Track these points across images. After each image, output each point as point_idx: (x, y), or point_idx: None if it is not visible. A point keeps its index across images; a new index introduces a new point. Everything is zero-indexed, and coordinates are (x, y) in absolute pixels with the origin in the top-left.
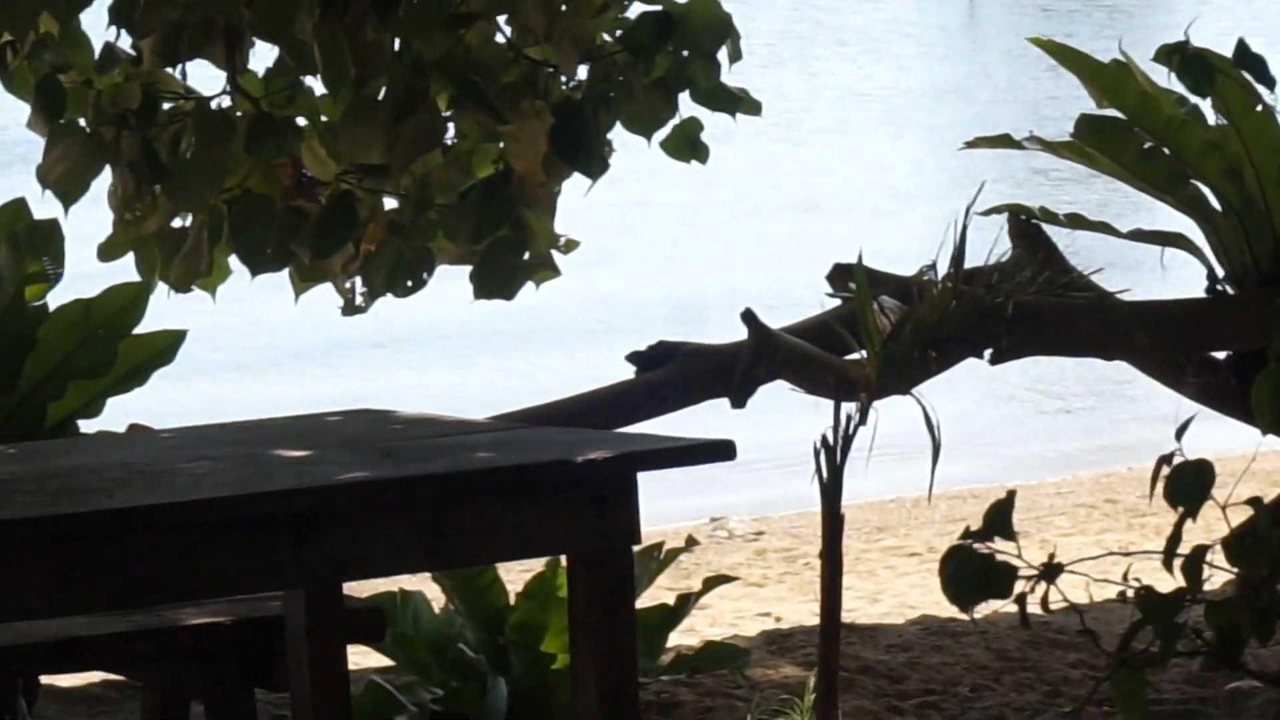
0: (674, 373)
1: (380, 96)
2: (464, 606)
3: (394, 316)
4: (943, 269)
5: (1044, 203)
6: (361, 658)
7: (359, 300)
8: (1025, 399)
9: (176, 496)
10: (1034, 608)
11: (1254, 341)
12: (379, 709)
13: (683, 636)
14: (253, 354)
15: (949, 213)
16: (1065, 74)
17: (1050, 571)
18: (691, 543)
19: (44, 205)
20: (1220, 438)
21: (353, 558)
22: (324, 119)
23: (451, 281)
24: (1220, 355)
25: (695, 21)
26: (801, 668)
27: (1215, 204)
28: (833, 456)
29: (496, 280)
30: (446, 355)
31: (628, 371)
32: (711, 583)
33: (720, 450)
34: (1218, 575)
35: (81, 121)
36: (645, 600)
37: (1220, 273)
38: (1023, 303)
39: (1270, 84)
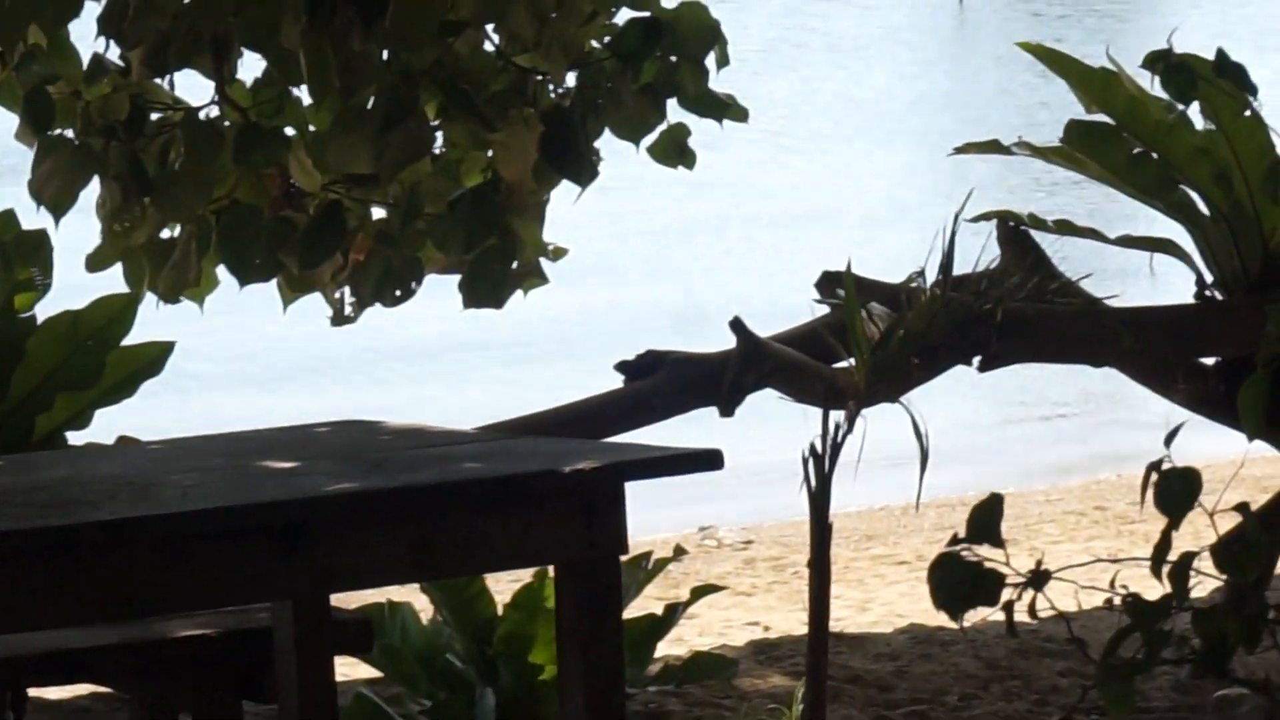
0: (662, 382)
1: (369, 105)
2: (452, 617)
3: (385, 329)
4: (931, 276)
5: (1038, 209)
6: (349, 669)
7: (348, 310)
8: (1014, 406)
9: (164, 508)
10: (1022, 615)
11: (1243, 348)
12: None
13: (671, 646)
14: (242, 367)
15: (940, 219)
16: (1056, 79)
17: (1038, 579)
18: (680, 552)
19: (32, 216)
20: (1209, 444)
21: (340, 569)
22: (312, 129)
23: (441, 294)
24: (1209, 361)
25: (683, 28)
26: (790, 677)
27: (1204, 209)
28: (821, 465)
29: (486, 289)
30: (438, 369)
31: (617, 381)
32: (699, 592)
33: (708, 459)
34: (1206, 582)
35: (70, 133)
36: (633, 610)
37: (1209, 278)
38: (1011, 309)
39: (1253, 91)
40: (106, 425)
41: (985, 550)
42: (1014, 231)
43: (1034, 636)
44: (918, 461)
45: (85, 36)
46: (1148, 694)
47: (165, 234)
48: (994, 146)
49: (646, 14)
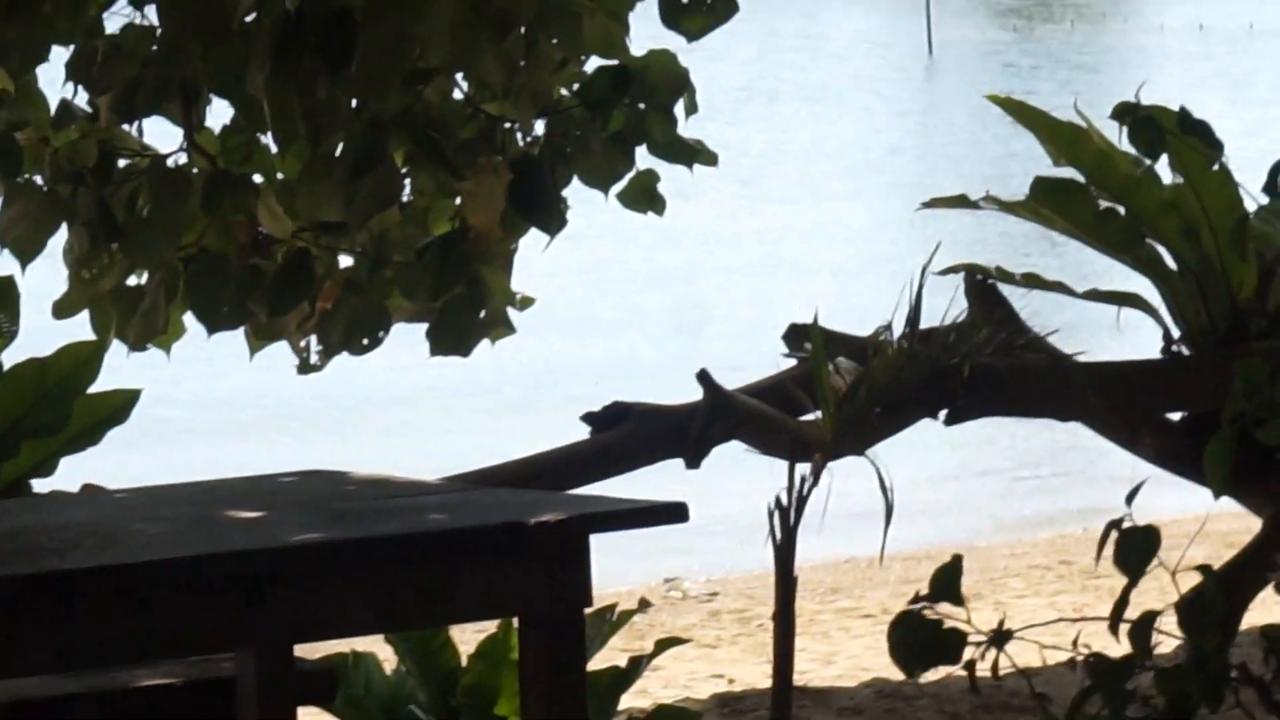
0: (628, 433)
1: (337, 153)
2: (416, 668)
3: (353, 378)
4: (899, 329)
5: (1007, 262)
6: (313, 718)
7: (314, 358)
8: (981, 461)
9: (129, 558)
10: (985, 673)
11: (1210, 403)
12: None
13: (635, 698)
14: (208, 415)
15: (909, 272)
16: (1027, 130)
17: (1000, 638)
18: (645, 604)
19: (1, 262)
20: (1176, 500)
21: (304, 620)
22: (280, 176)
23: (410, 342)
24: (1175, 417)
25: (652, 76)
26: None
27: (1171, 264)
28: (786, 517)
29: (453, 337)
30: (406, 419)
31: (583, 432)
32: (664, 644)
33: (673, 512)
34: (1170, 641)
35: (38, 179)
36: (597, 661)
37: (1176, 333)
38: (979, 364)
39: (1219, 148)
40: (72, 473)
41: (947, 608)
42: (981, 285)
43: (998, 691)
44: (883, 515)
45: (54, 82)
46: None
47: (133, 281)
48: (962, 201)
49: (615, 62)
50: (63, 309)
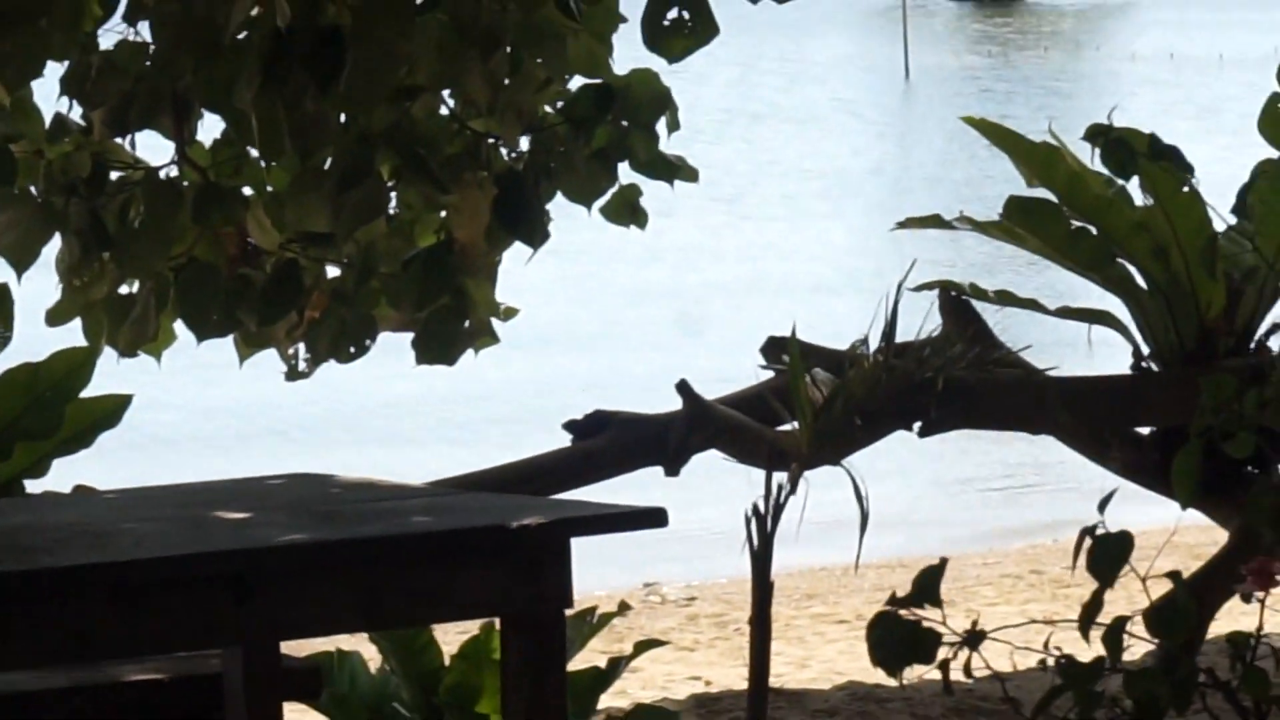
0: (609, 441)
1: (326, 166)
2: (400, 667)
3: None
4: (875, 343)
5: (984, 282)
6: (299, 715)
7: (302, 366)
8: (955, 474)
9: (119, 556)
10: (958, 674)
11: (1178, 418)
12: None
13: (614, 699)
14: (198, 424)
15: (885, 288)
16: (1001, 153)
17: (973, 639)
18: (624, 607)
19: None
20: (1143, 514)
21: (290, 618)
22: (270, 189)
23: (397, 357)
24: (1144, 431)
25: (635, 94)
26: None
27: (1141, 283)
28: (764, 524)
29: (438, 347)
30: (392, 431)
31: (565, 440)
32: (643, 646)
33: (652, 517)
34: (1139, 645)
35: (32, 189)
36: (577, 662)
37: (1145, 350)
38: (952, 378)
39: (1189, 171)
40: (64, 475)
41: (923, 610)
42: (956, 301)
43: (969, 695)
44: (858, 524)
45: (49, 96)
46: None
47: (124, 290)
48: (935, 221)
49: (599, 81)
50: (55, 316)
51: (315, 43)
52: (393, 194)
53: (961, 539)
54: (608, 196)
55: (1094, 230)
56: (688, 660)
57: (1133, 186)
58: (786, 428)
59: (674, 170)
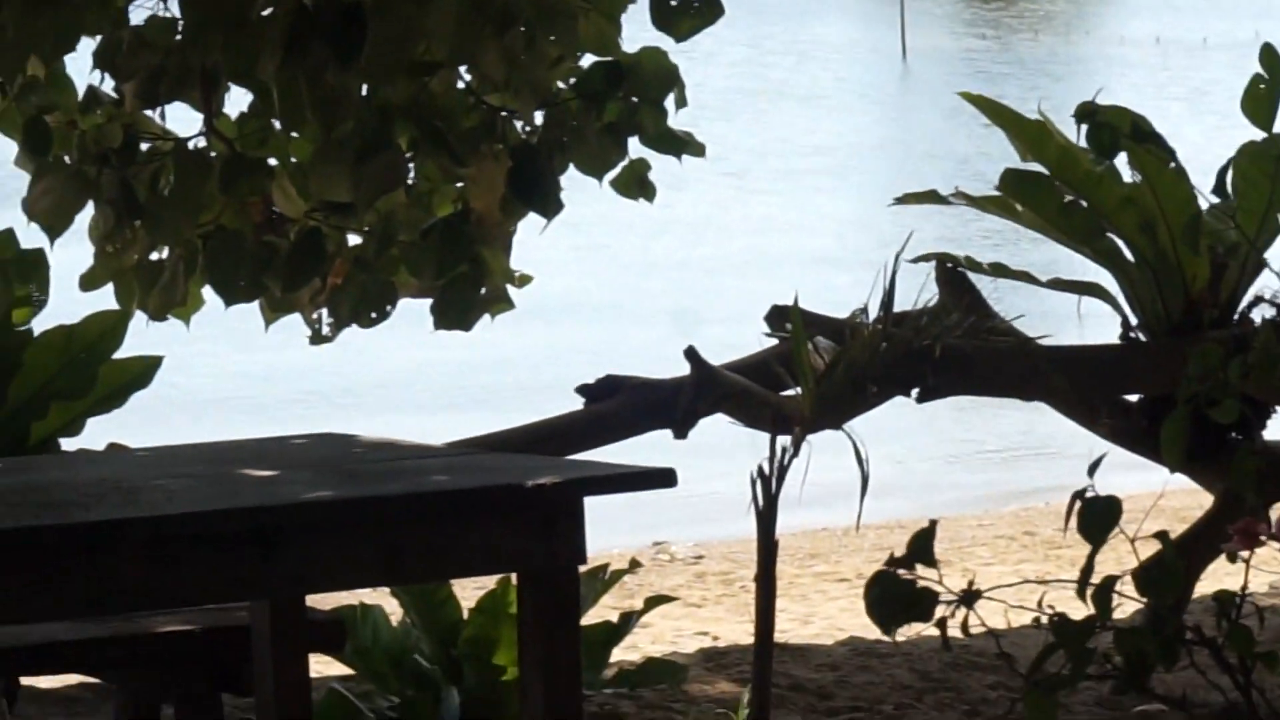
0: (620, 405)
1: (347, 139)
2: (420, 620)
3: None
4: (874, 312)
5: (979, 255)
6: (323, 667)
7: (325, 330)
8: (951, 441)
9: (150, 511)
10: (954, 631)
11: (1164, 386)
12: (339, 715)
13: (625, 652)
14: (226, 388)
15: (884, 260)
16: (998, 131)
17: (969, 597)
18: (635, 564)
19: (31, 236)
20: (1131, 479)
21: (315, 572)
22: (294, 159)
23: (418, 327)
24: (1133, 399)
25: (644, 71)
26: (736, 684)
27: (1130, 256)
28: (768, 485)
29: (455, 313)
30: (413, 401)
31: (578, 403)
32: (653, 602)
33: (662, 477)
34: (1128, 604)
35: (66, 159)
36: (590, 618)
37: (1133, 321)
38: (949, 345)
39: (1171, 154)
40: (98, 433)
41: (920, 570)
42: (952, 273)
43: (965, 651)
44: (858, 487)
45: (82, 70)
46: (1072, 708)
47: (154, 256)
48: (932, 196)
49: (610, 58)
50: (89, 282)
51: (337, 18)
52: (411, 165)
53: (957, 502)
54: (618, 170)
55: (1084, 204)
56: (695, 616)
57: (1121, 163)
58: (790, 393)
59: (682, 145)
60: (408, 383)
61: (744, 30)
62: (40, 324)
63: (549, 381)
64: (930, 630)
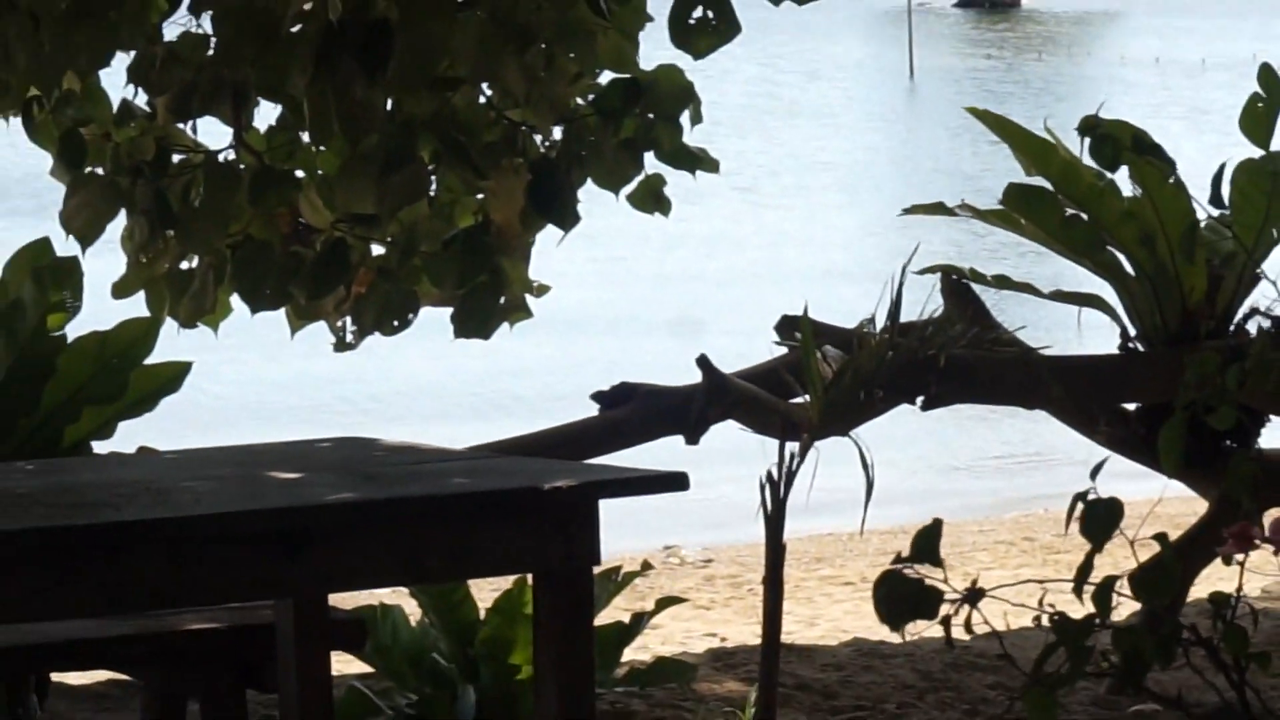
0: (633, 411)
1: (372, 152)
2: (438, 620)
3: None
4: (881, 323)
5: (983, 267)
6: (344, 665)
7: (349, 338)
8: (953, 446)
9: (179, 512)
10: (957, 631)
11: (1162, 396)
12: (359, 712)
13: (636, 652)
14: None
15: (891, 272)
16: (1003, 147)
17: (973, 596)
18: (646, 567)
19: (66, 245)
20: (1128, 488)
21: (338, 572)
22: (320, 172)
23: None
24: (1130, 407)
25: (660, 88)
26: (744, 683)
27: (1129, 269)
28: (776, 490)
29: (475, 321)
30: (434, 410)
31: (593, 409)
32: (663, 604)
33: (675, 481)
34: (1125, 606)
35: (100, 171)
36: (603, 618)
37: (1132, 332)
38: (953, 355)
39: (1171, 165)
40: (129, 436)
41: (925, 570)
42: (956, 284)
43: (966, 652)
44: (863, 493)
45: (116, 84)
46: (1069, 707)
47: (185, 265)
48: (939, 209)
49: (627, 75)
50: (121, 289)
51: (365, 34)
52: (434, 178)
53: (959, 509)
54: (634, 185)
55: (1085, 218)
56: (704, 618)
57: (1121, 178)
58: (798, 400)
59: (696, 161)
60: (429, 390)
61: (757, 49)
62: (74, 330)
63: (566, 389)
64: (931, 632)
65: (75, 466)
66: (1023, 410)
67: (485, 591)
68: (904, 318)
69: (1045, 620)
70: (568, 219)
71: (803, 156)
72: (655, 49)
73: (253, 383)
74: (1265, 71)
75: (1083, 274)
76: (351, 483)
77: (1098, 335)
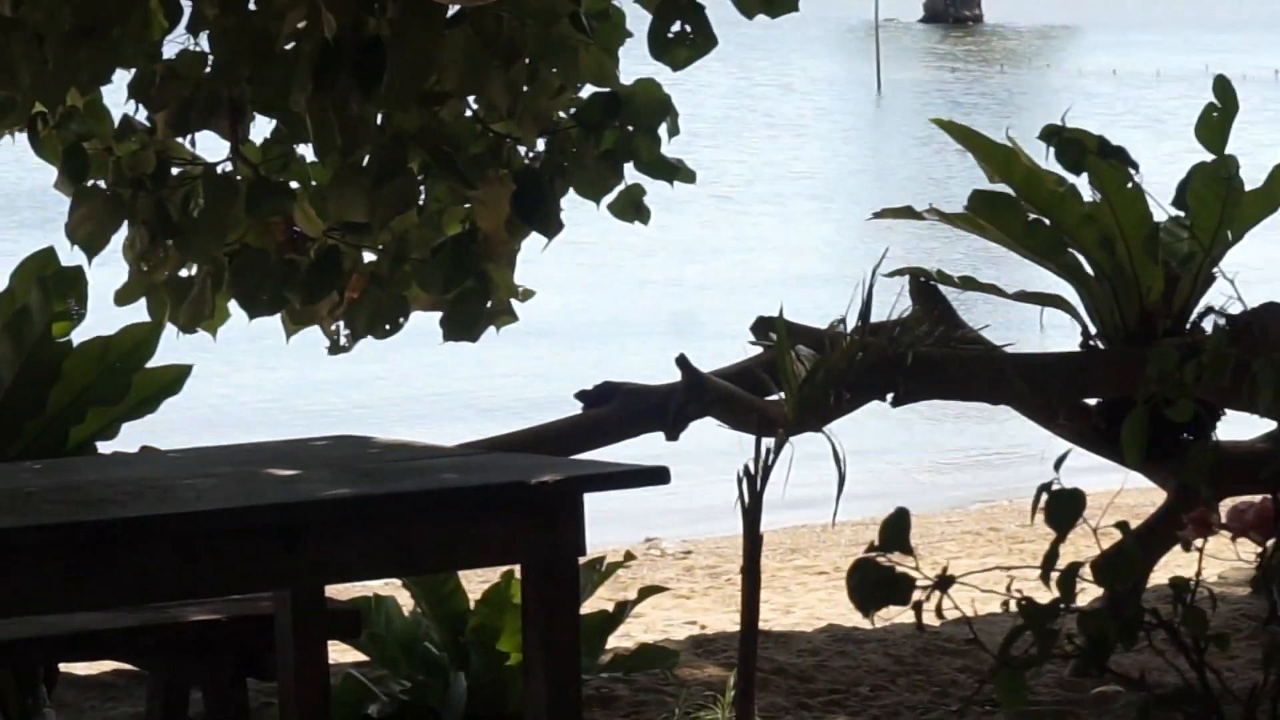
0: (615, 409)
1: (364, 163)
2: (430, 610)
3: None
4: (852, 323)
5: (949, 268)
6: (340, 654)
7: (343, 341)
8: (921, 447)
9: (181, 508)
10: (928, 617)
11: (1120, 391)
12: (355, 698)
13: (620, 640)
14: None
15: (861, 275)
16: (968, 155)
17: (943, 583)
18: (629, 558)
19: (71, 255)
20: (1089, 480)
21: (334, 565)
22: (314, 183)
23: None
24: (1090, 402)
25: (639, 101)
26: (723, 668)
27: (1089, 270)
28: (753, 483)
29: (463, 325)
30: (425, 413)
31: (577, 408)
32: (646, 593)
33: (656, 475)
34: (1089, 590)
35: (102, 184)
36: (588, 607)
37: (1093, 330)
38: (921, 353)
39: (1134, 167)
40: (132, 437)
41: (896, 558)
42: (924, 286)
43: (936, 637)
44: (835, 486)
45: (117, 100)
46: (1036, 689)
47: (184, 273)
48: (907, 212)
49: (607, 89)
50: (123, 297)
51: (359, 52)
52: (423, 188)
53: (927, 503)
54: (614, 194)
55: (1047, 222)
56: (685, 606)
57: (1082, 184)
58: (774, 398)
59: (674, 171)
60: (420, 399)
61: (733, 63)
62: (79, 336)
63: (551, 389)
64: (903, 617)
65: (81, 466)
66: (988, 407)
67: (475, 583)
68: (874, 318)
69: (1013, 606)
70: (551, 227)
71: (777, 165)
72: (634, 64)
73: (250, 385)
74: (1220, 83)
75: (1045, 275)
76: (346, 479)
77: (1059, 334)
